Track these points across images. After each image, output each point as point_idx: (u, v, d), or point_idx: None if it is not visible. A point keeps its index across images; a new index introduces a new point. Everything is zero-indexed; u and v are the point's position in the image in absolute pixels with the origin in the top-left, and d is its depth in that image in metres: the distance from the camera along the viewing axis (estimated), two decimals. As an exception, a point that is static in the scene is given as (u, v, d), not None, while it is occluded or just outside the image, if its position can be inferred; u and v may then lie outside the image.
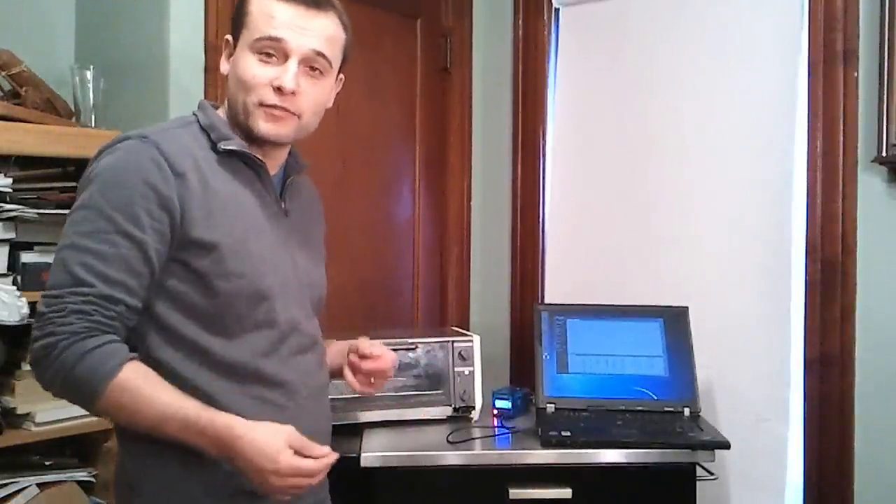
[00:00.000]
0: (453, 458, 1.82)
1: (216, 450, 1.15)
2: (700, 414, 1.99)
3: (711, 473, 1.86)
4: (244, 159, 1.30)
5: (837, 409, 2.03)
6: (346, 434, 1.87)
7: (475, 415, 2.02)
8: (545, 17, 2.55)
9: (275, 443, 1.15)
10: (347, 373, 1.45)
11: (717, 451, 1.83)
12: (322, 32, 1.29)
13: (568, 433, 1.83)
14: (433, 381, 2.00)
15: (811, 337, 2.07)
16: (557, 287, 2.50)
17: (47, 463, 1.81)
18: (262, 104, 1.26)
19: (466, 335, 2.07)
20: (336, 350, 1.51)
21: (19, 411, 1.74)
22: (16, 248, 1.75)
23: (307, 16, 1.27)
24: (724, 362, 2.16)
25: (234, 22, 1.31)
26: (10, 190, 1.71)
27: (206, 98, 1.93)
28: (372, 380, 1.45)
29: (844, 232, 2.03)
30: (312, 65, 1.28)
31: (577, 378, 2.05)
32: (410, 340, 2.00)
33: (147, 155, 1.20)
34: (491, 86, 2.64)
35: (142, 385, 1.14)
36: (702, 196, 2.26)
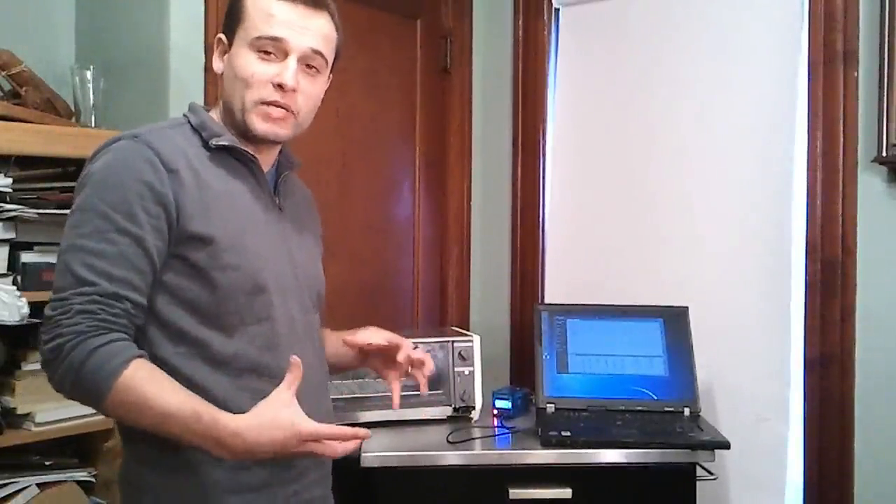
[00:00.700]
0: (453, 458, 1.82)
1: (223, 453, 1.15)
2: (700, 414, 1.99)
3: (711, 473, 1.86)
4: (236, 155, 1.31)
5: (837, 409, 2.03)
6: (346, 434, 1.87)
7: (475, 415, 2.02)
8: (545, 17, 2.55)
9: (291, 418, 1.14)
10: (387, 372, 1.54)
11: (717, 451, 1.83)
12: (319, 31, 1.30)
13: (568, 433, 1.83)
14: (433, 381, 1.99)
15: (811, 337, 2.07)
16: (557, 287, 2.50)
17: (47, 463, 1.81)
18: (261, 101, 1.27)
19: (466, 335, 2.07)
20: (338, 342, 1.53)
21: (19, 411, 1.74)
22: (16, 248, 1.75)
23: (305, 15, 1.29)
24: (724, 362, 2.16)
25: (227, 20, 1.32)
26: (10, 190, 1.71)
27: (206, 98, 1.94)
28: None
29: (844, 232, 2.03)
30: (309, 63, 1.30)
31: (577, 378, 2.05)
32: (410, 340, 1.99)
33: (140, 154, 1.21)
34: (491, 86, 2.64)
35: (146, 383, 1.14)
36: (702, 196, 2.26)
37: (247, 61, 1.27)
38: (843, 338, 2.03)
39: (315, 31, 1.29)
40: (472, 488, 1.81)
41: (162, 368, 1.20)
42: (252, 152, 1.32)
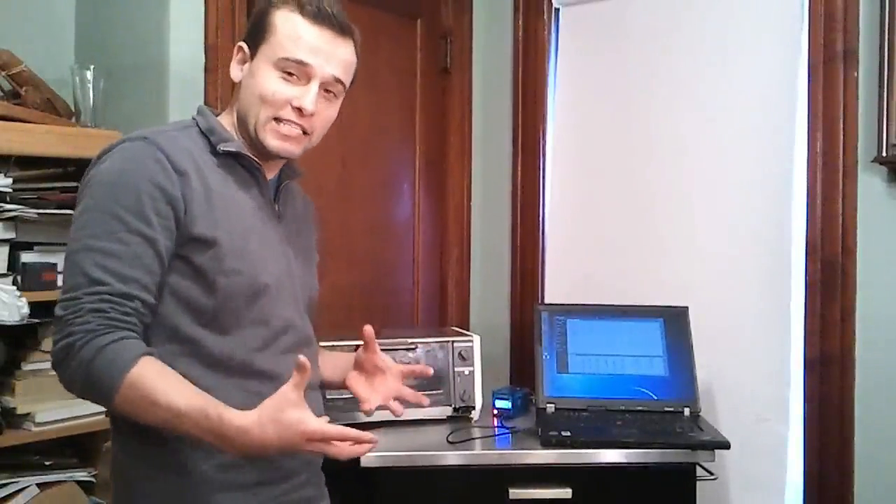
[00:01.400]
0: (453, 458, 1.82)
1: (229, 449, 1.14)
2: (700, 414, 1.99)
3: (711, 473, 1.86)
4: (242, 162, 1.32)
5: (837, 409, 2.03)
6: (346, 434, 1.87)
7: (475, 415, 2.02)
8: (545, 17, 2.55)
9: (299, 417, 1.12)
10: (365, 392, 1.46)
11: (717, 451, 1.83)
12: (343, 59, 1.33)
13: (568, 433, 1.83)
14: (433, 381, 1.99)
15: (811, 337, 2.07)
16: (557, 287, 2.50)
17: (47, 463, 1.81)
18: (276, 119, 1.29)
19: (466, 335, 2.07)
20: (335, 363, 1.52)
21: (19, 411, 1.74)
22: (16, 248, 1.75)
23: (333, 42, 1.30)
24: (724, 362, 2.16)
25: (252, 30, 1.32)
26: (10, 190, 1.71)
27: (206, 97, 1.94)
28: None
29: (844, 232, 2.03)
30: (329, 88, 1.32)
31: (577, 378, 2.05)
32: (410, 340, 2.00)
33: (150, 155, 1.22)
34: (491, 86, 2.64)
35: (155, 380, 1.14)
36: (702, 196, 2.26)
37: (268, 79, 1.28)
38: (843, 338, 2.02)
39: (339, 59, 1.31)
40: (472, 488, 1.81)
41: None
42: (258, 160, 1.33)
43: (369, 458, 1.77)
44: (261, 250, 1.30)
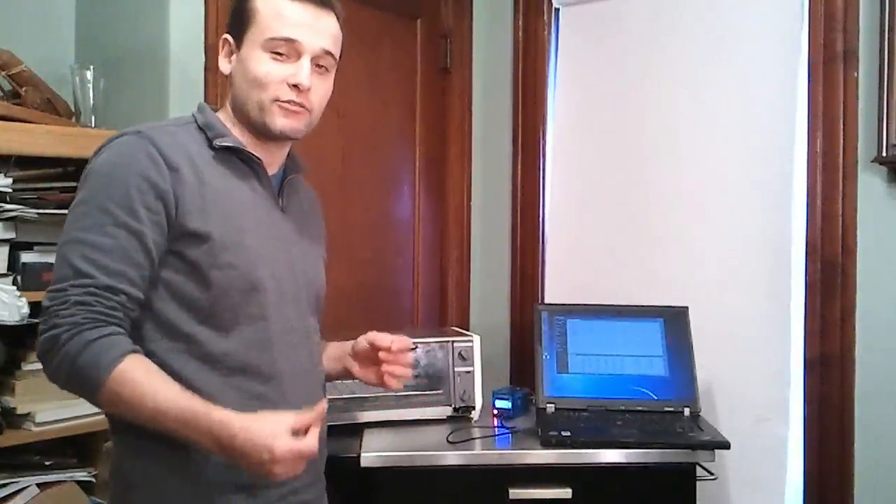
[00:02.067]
0: (453, 458, 1.82)
1: (214, 447, 1.15)
2: (700, 414, 1.99)
3: (711, 473, 1.86)
4: (241, 156, 1.32)
5: (837, 409, 2.03)
6: (346, 434, 1.87)
7: (475, 415, 2.02)
8: (545, 17, 2.55)
9: (270, 432, 1.12)
10: (357, 369, 1.48)
11: (717, 451, 1.83)
12: (329, 31, 1.33)
13: (568, 433, 1.83)
14: (433, 381, 2.00)
15: (811, 337, 2.07)
16: (557, 287, 2.50)
17: (47, 463, 1.81)
18: (278, 100, 1.29)
19: (466, 335, 2.07)
20: (333, 354, 1.52)
21: (19, 411, 1.74)
22: (16, 248, 1.75)
23: (316, 15, 1.30)
24: (724, 362, 2.16)
25: (234, 20, 1.33)
26: (10, 190, 1.72)
27: (206, 97, 1.94)
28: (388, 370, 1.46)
29: (844, 232, 2.03)
30: (320, 62, 1.32)
31: (577, 378, 2.05)
32: (410, 340, 2.00)
33: (142, 149, 1.23)
34: (491, 86, 2.64)
35: (141, 378, 1.15)
36: (702, 196, 2.26)
37: (260, 62, 1.28)
38: (843, 338, 2.02)
39: (325, 32, 1.32)
40: (472, 488, 1.81)
41: (157, 363, 1.20)
42: (257, 154, 1.33)
43: (369, 458, 1.77)
44: (258, 245, 1.30)
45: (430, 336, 2.04)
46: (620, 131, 2.41)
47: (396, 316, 2.51)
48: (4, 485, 1.71)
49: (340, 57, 1.38)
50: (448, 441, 1.87)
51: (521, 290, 2.57)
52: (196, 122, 1.33)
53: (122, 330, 1.18)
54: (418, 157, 2.58)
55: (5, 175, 1.71)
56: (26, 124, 1.76)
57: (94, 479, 1.85)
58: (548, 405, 2.01)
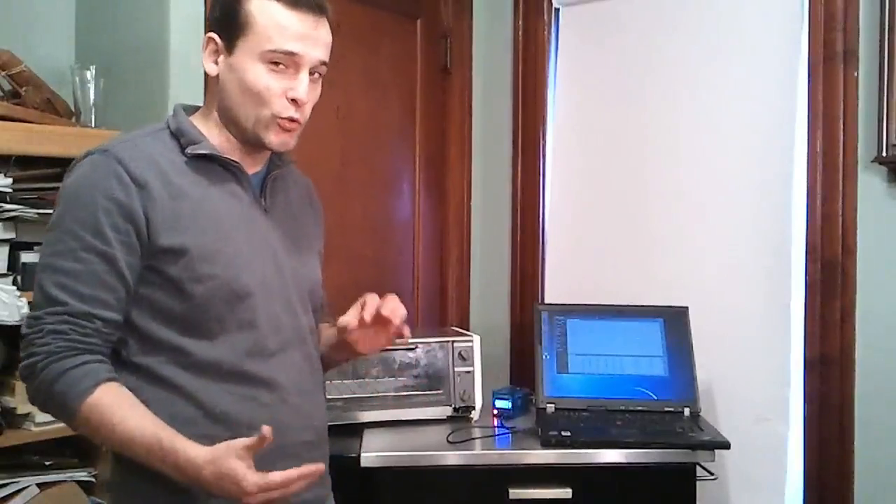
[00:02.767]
0: (453, 458, 1.82)
1: (181, 478, 1.14)
2: (700, 414, 1.99)
3: (711, 473, 1.86)
4: (217, 161, 1.29)
5: (837, 409, 2.03)
6: (346, 434, 1.87)
7: (475, 415, 2.02)
8: (545, 17, 2.55)
9: (236, 469, 1.11)
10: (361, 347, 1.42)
11: (717, 451, 1.83)
12: (325, 40, 1.30)
13: (568, 433, 1.83)
14: (433, 381, 2.00)
15: (811, 337, 2.07)
16: (557, 287, 2.50)
17: (47, 463, 1.81)
18: (277, 117, 1.27)
19: (466, 335, 2.07)
20: (330, 332, 1.48)
21: (19, 411, 1.74)
22: (16, 248, 1.75)
23: (315, 25, 1.27)
24: (724, 362, 2.16)
25: (223, 21, 1.27)
26: (10, 190, 1.71)
27: (206, 98, 1.94)
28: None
29: (844, 232, 2.03)
30: (315, 71, 1.30)
31: (577, 378, 2.05)
32: (410, 340, 2.00)
33: (108, 168, 1.21)
34: (491, 86, 2.64)
35: (111, 408, 1.15)
36: (702, 196, 2.26)
37: (257, 74, 1.25)
38: (843, 338, 2.03)
39: (322, 41, 1.29)
40: (472, 488, 1.81)
41: (145, 375, 1.22)
42: (237, 156, 1.31)
43: (369, 458, 1.77)
44: (240, 251, 1.27)
45: (430, 336, 2.04)
46: (620, 131, 2.41)
47: (396, 316, 2.51)
48: (4, 485, 1.71)
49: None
50: (448, 441, 1.87)
51: (521, 290, 2.57)
52: (169, 128, 1.30)
53: (97, 357, 1.18)
54: (418, 157, 2.58)
55: (5, 175, 1.71)
56: (26, 124, 1.76)
57: (94, 479, 1.85)
58: (548, 405, 2.01)
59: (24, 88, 1.84)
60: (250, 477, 1.10)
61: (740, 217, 2.20)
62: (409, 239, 2.57)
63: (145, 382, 1.22)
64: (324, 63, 1.30)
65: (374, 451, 1.79)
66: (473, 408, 2.01)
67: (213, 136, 1.31)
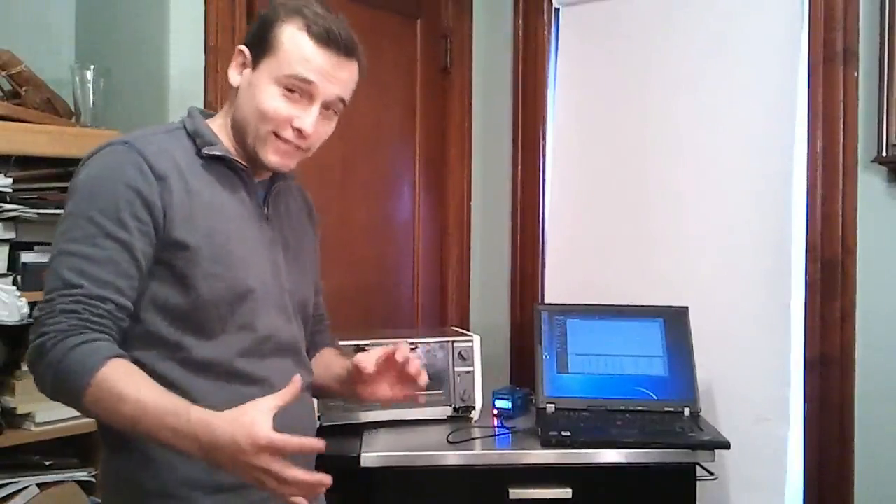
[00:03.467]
0: (453, 458, 1.82)
1: (194, 447, 1.11)
2: (700, 414, 1.99)
3: (711, 473, 1.86)
4: (229, 164, 1.32)
5: (837, 409, 2.03)
6: (346, 434, 1.87)
7: (475, 415, 2.02)
8: (545, 17, 2.54)
9: (250, 417, 1.08)
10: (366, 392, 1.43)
11: (717, 451, 1.83)
12: (347, 80, 1.31)
13: (568, 433, 1.83)
14: (433, 381, 1.99)
15: (811, 337, 2.07)
16: (557, 287, 2.50)
17: (47, 463, 1.81)
18: (276, 134, 1.28)
19: (466, 335, 2.07)
20: (332, 373, 1.49)
21: (19, 411, 1.74)
22: (16, 248, 1.75)
23: (338, 65, 1.29)
24: (724, 362, 2.16)
25: (256, 39, 1.30)
26: (10, 190, 1.71)
27: (205, 98, 1.94)
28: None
29: (844, 232, 2.03)
30: (330, 106, 1.31)
31: (577, 378, 2.05)
32: (410, 340, 1.99)
33: (129, 159, 1.22)
34: (491, 86, 2.64)
35: (123, 380, 1.13)
36: (702, 196, 2.26)
37: (269, 95, 1.27)
38: (843, 338, 2.02)
39: (343, 81, 1.30)
40: (472, 488, 1.81)
41: (145, 369, 1.20)
42: (245, 162, 1.33)
43: (369, 458, 1.77)
44: (244, 254, 1.29)
45: (430, 336, 2.04)
46: (620, 131, 2.41)
47: (396, 316, 2.51)
48: (4, 485, 1.71)
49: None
50: (448, 441, 1.87)
51: (521, 290, 2.57)
52: (185, 128, 1.32)
53: (107, 337, 1.17)
54: (418, 157, 2.58)
55: (5, 175, 1.71)
56: (26, 124, 1.76)
57: (94, 479, 1.85)
58: (548, 405, 2.01)
59: (24, 88, 1.84)
60: (265, 430, 1.06)
61: (740, 217, 2.20)
62: (409, 239, 2.57)
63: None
64: (342, 100, 1.32)
65: (374, 451, 1.80)
66: (473, 408, 2.01)
67: (225, 142, 1.33)
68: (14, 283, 1.72)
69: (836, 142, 2.04)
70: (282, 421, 1.29)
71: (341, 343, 1.91)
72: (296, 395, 1.13)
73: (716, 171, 2.24)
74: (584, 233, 2.46)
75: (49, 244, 1.73)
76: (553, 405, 2.01)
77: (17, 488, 1.73)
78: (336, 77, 1.29)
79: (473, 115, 2.66)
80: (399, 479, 1.79)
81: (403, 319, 2.53)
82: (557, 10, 2.55)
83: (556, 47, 2.56)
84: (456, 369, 2.00)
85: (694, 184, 2.27)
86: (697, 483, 1.84)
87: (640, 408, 2.00)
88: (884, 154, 1.95)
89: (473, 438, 1.90)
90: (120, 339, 1.20)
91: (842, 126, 2.03)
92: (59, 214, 1.69)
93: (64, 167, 1.81)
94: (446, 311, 2.63)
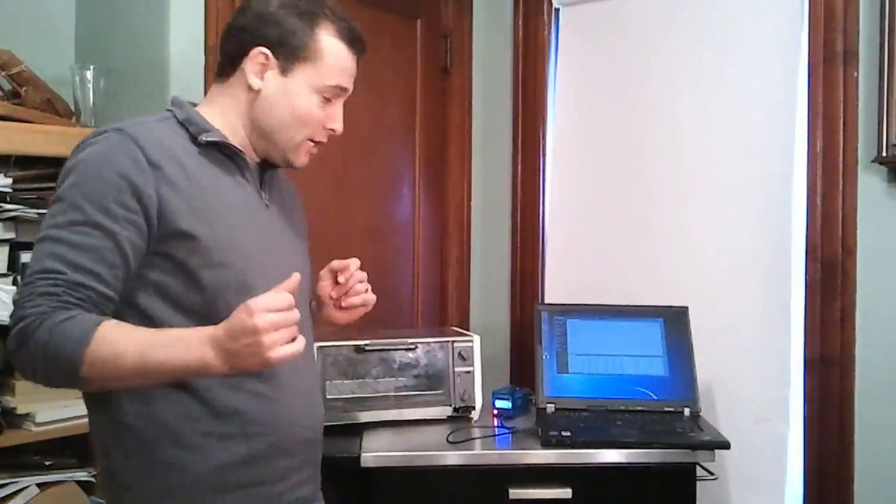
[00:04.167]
0: (453, 458, 1.82)
1: (209, 350, 1.11)
2: (700, 414, 1.99)
3: (711, 473, 1.86)
4: (224, 151, 1.31)
5: (837, 409, 2.03)
6: (346, 434, 1.87)
7: (475, 415, 2.02)
8: (545, 17, 2.55)
9: (245, 308, 1.10)
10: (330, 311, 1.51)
11: (717, 451, 1.83)
12: None
13: (568, 433, 1.83)
14: (433, 381, 2.00)
15: (811, 337, 2.07)
16: (557, 287, 2.50)
17: (47, 463, 1.81)
18: (311, 140, 1.34)
19: (466, 335, 2.07)
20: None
21: (19, 411, 1.74)
22: (16, 248, 1.75)
23: (357, 64, 1.38)
24: (724, 362, 2.16)
25: (284, 43, 1.30)
26: (10, 190, 1.72)
27: (205, 97, 1.94)
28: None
29: (844, 232, 2.03)
30: None
31: (577, 378, 2.05)
32: (410, 340, 2.00)
33: (122, 147, 1.20)
34: (491, 86, 2.64)
35: (118, 332, 1.12)
36: (702, 196, 2.26)
37: (312, 104, 1.32)
38: (843, 338, 2.03)
39: None
40: (472, 488, 1.81)
41: None
42: (241, 148, 1.32)
43: (369, 458, 1.77)
44: (248, 242, 1.29)
45: (430, 336, 2.04)
46: (620, 131, 2.41)
47: (396, 316, 2.51)
48: (4, 485, 1.71)
49: None
50: (448, 441, 1.87)
51: (521, 290, 2.57)
52: (176, 117, 1.30)
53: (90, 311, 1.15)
54: (418, 157, 2.58)
55: (5, 175, 1.72)
56: (26, 124, 1.76)
57: (93, 479, 1.85)
58: (548, 405, 2.01)
59: (24, 88, 1.84)
60: (258, 300, 1.09)
61: (740, 217, 2.20)
62: (410, 239, 2.57)
63: None
64: None
65: (374, 451, 1.79)
66: (473, 408, 2.01)
67: (222, 130, 1.32)
68: (14, 283, 1.72)
69: (836, 142, 2.04)
70: (297, 416, 1.33)
71: (342, 343, 1.92)
72: (292, 287, 1.13)
73: (716, 170, 2.24)
74: (584, 233, 2.46)
75: (49, 244, 1.74)
76: (553, 405, 2.01)
77: (17, 488, 1.73)
78: (355, 76, 1.37)
79: (473, 115, 2.66)
80: (399, 479, 1.79)
81: (403, 319, 2.53)
82: (557, 10, 2.55)
83: (556, 47, 2.56)
84: (456, 369, 2.00)
85: (694, 184, 2.27)
86: (697, 483, 1.84)
87: (640, 408, 2.00)
88: (884, 154, 1.95)
89: (473, 438, 1.90)
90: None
91: (842, 126, 2.03)
92: (59, 214, 1.71)
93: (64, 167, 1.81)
94: (446, 311, 2.63)
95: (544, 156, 2.55)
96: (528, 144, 2.57)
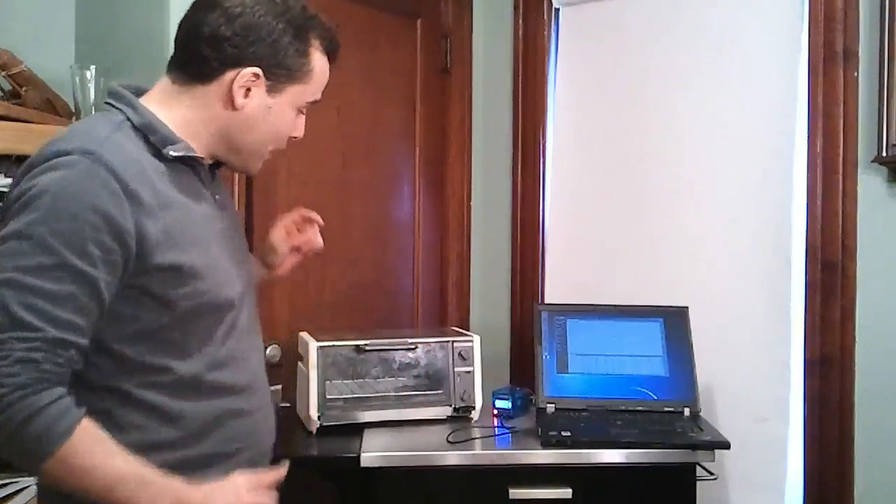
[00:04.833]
0: (453, 458, 1.82)
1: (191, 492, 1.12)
2: (700, 414, 1.99)
3: (711, 473, 1.86)
4: (189, 163, 1.23)
5: (837, 409, 2.03)
6: (346, 434, 1.87)
7: (475, 415, 2.02)
8: (545, 17, 2.54)
9: (230, 483, 1.14)
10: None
11: (717, 451, 1.83)
12: None
13: (568, 433, 1.83)
14: (433, 381, 2.00)
15: (811, 337, 2.07)
16: (557, 287, 2.50)
17: (47, 463, 1.81)
18: (275, 150, 1.32)
19: (466, 335, 2.07)
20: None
21: (19, 411, 1.74)
22: (15, 247, 1.74)
23: None
24: (724, 362, 2.16)
25: (279, 64, 1.23)
26: (10, 190, 1.71)
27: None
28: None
29: (844, 232, 2.03)
30: None
31: (577, 378, 2.05)
32: (410, 340, 2.00)
33: (95, 175, 1.08)
34: (491, 86, 2.64)
35: (95, 446, 1.08)
36: (702, 196, 2.26)
37: (289, 120, 1.30)
38: (843, 338, 2.03)
39: None
40: (472, 488, 1.81)
41: (119, 398, 1.15)
42: (202, 157, 1.26)
43: (369, 458, 1.77)
44: (220, 257, 1.25)
45: (430, 336, 2.04)
46: (620, 131, 2.41)
47: (396, 316, 2.51)
48: (4, 485, 1.71)
49: None
50: (448, 441, 1.86)
51: (521, 290, 2.57)
52: (131, 122, 1.18)
53: (66, 389, 1.07)
54: (418, 157, 2.57)
55: (5, 175, 1.71)
56: (26, 124, 1.76)
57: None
58: (548, 405, 2.01)
59: (24, 88, 1.84)
60: (244, 479, 1.13)
61: (740, 217, 2.20)
62: (409, 239, 2.56)
63: (118, 405, 1.15)
64: None
65: (374, 451, 1.79)
66: (473, 408, 2.01)
67: (186, 138, 1.23)
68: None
69: (836, 142, 2.04)
70: (266, 425, 1.32)
71: (342, 343, 1.92)
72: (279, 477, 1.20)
73: (716, 170, 2.24)
74: (584, 233, 2.46)
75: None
76: (553, 405, 2.01)
77: (17, 488, 1.73)
78: None
79: (473, 115, 2.66)
80: (399, 479, 1.79)
81: (403, 319, 2.53)
82: (557, 10, 2.55)
83: (556, 47, 2.56)
84: (456, 369, 2.00)
85: (694, 184, 2.27)
86: (697, 483, 1.84)
87: (640, 408, 2.00)
88: (884, 154, 1.95)
89: (473, 438, 1.90)
90: (75, 377, 1.10)
91: (842, 126, 2.03)
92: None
93: (64, 167, 1.81)
94: (446, 311, 2.63)
95: (544, 156, 2.55)
96: (528, 144, 2.56)
